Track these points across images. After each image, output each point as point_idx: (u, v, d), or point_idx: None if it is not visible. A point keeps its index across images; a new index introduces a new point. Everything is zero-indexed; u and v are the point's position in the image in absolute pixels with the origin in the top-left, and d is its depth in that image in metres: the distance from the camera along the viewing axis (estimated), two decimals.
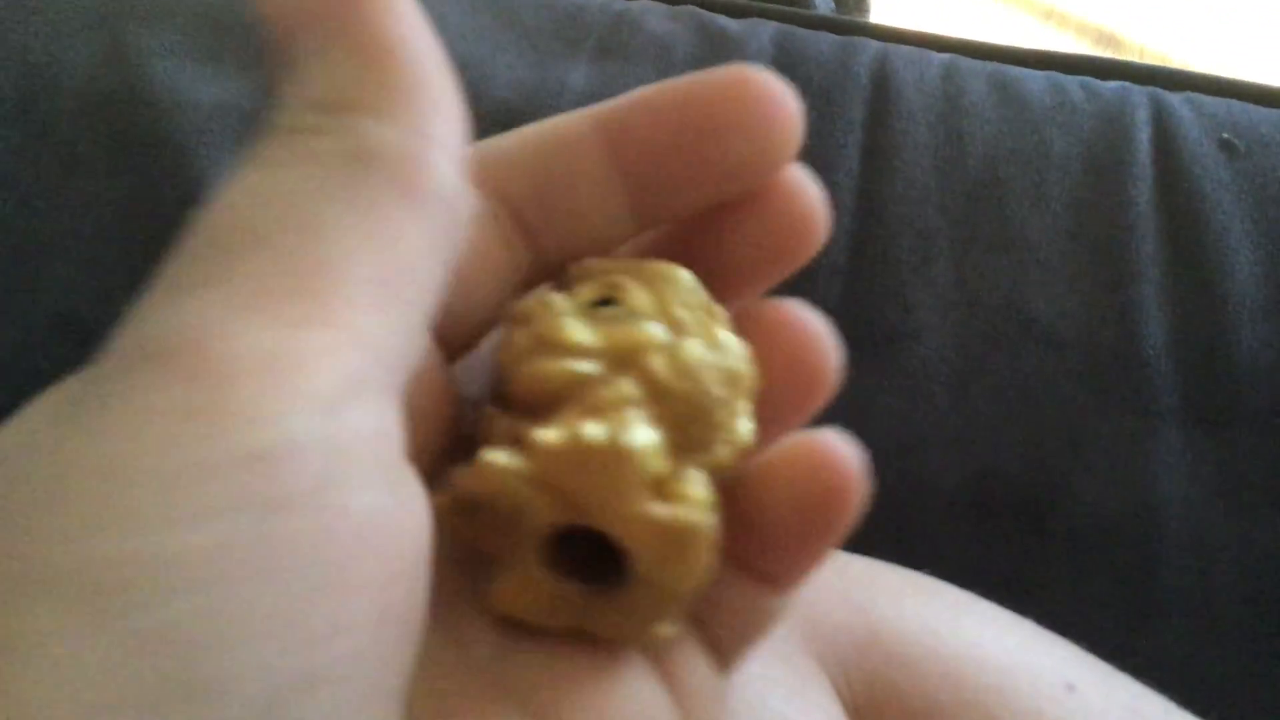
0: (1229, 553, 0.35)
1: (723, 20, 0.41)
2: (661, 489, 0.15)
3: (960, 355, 0.36)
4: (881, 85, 0.39)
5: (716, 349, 0.16)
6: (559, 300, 0.16)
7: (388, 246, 0.14)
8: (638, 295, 0.16)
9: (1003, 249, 0.37)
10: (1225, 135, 0.38)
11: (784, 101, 0.16)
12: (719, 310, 0.17)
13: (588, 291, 0.17)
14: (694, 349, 0.16)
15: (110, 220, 0.36)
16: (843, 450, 0.17)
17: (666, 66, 0.39)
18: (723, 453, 0.16)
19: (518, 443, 0.15)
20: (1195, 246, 0.36)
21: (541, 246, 0.17)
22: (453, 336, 0.17)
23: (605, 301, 0.17)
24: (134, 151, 0.36)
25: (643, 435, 0.15)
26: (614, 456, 0.15)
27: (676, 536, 0.15)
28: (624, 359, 0.16)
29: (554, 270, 0.18)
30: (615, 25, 0.40)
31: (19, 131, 0.36)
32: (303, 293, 0.13)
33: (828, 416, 0.17)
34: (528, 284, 0.18)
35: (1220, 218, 0.36)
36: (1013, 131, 0.38)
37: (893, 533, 0.33)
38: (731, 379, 0.16)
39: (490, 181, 0.17)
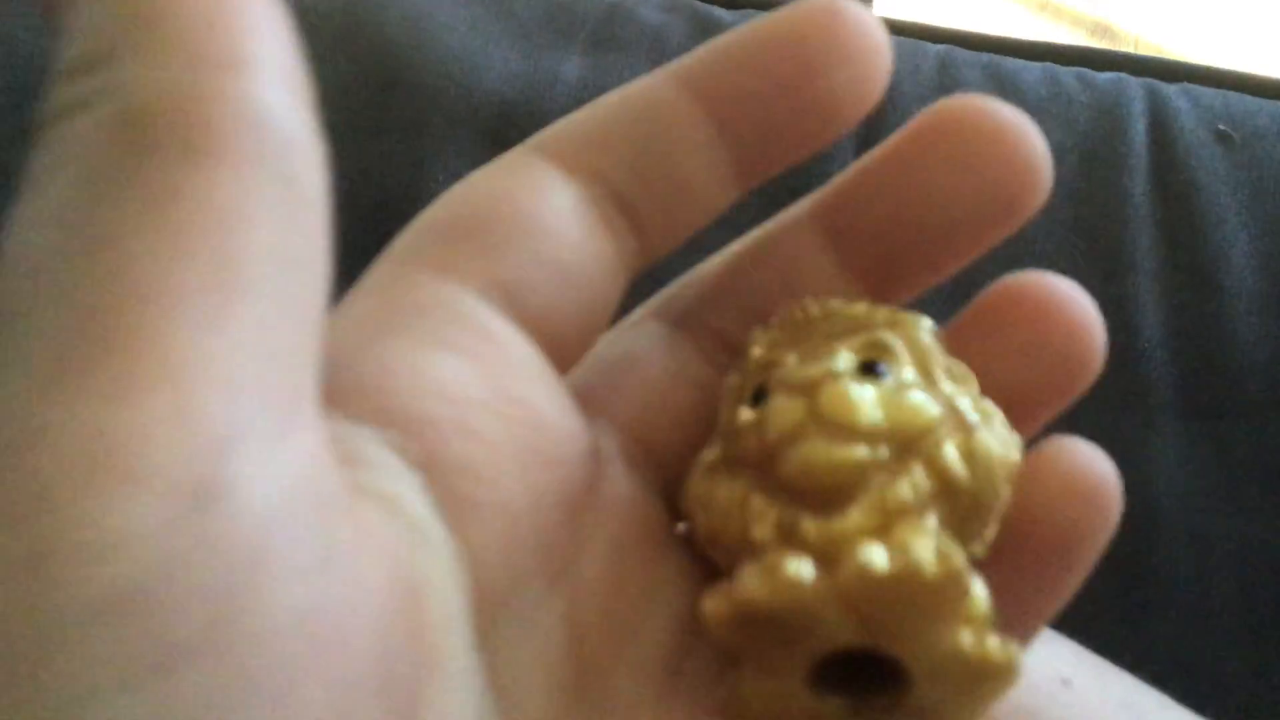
0: (1225, 545, 0.35)
1: (718, 11, 0.41)
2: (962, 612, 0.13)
3: None
4: None
5: (1003, 438, 0.14)
6: (845, 363, 0.14)
7: (207, 231, 0.10)
8: (904, 359, 0.15)
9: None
10: (1221, 126, 0.38)
11: (873, 25, 0.15)
12: (965, 370, 0.15)
13: (849, 351, 0.15)
14: (987, 440, 0.14)
15: None
16: (1102, 463, 0.15)
17: (660, 58, 0.39)
18: (978, 549, 0.14)
19: (791, 537, 0.14)
20: (1191, 238, 0.36)
21: (647, 228, 0.16)
22: (563, 345, 0.15)
23: (869, 365, 0.15)
24: None
25: (965, 565, 0.13)
26: (945, 589, 0.13)
27: (983, 673, 0.13)
28: (910, 443, 0.14)
29: (660, 255, 0.16)
30: (608, 16, 0.40)
31: (9, 124, 0.36)
32: (113, 344, 0.09)
33: None
34: (636, 273, 0.16)
35: (1216, 209, 0.36)
36: None
37: None
38: (1011, 472, 0.14)
39: (582, 164, 0.15)
